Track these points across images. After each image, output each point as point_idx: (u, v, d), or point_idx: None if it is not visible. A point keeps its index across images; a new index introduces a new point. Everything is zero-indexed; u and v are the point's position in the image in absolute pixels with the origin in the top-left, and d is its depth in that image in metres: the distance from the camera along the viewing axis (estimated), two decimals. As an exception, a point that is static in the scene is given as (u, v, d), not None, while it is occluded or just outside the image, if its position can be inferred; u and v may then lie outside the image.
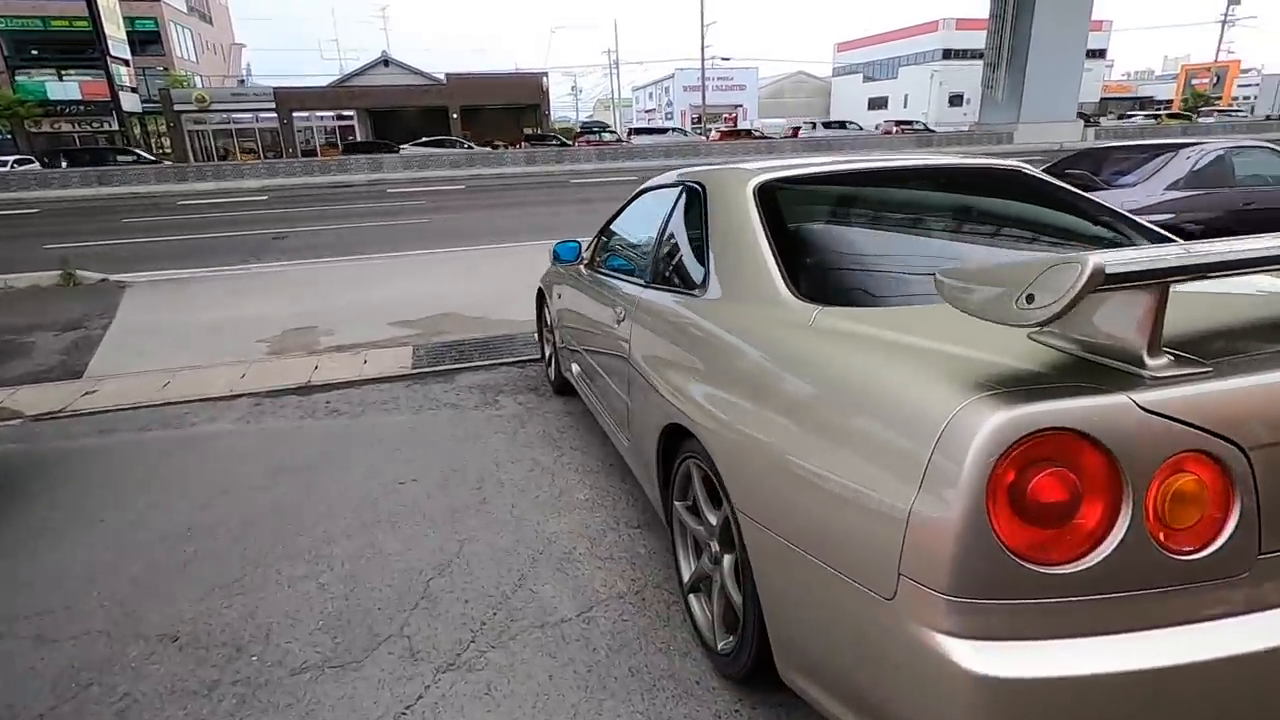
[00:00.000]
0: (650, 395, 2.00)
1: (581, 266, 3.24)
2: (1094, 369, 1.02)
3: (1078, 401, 0.94)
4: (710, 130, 39.96)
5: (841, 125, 35.34)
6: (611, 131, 35.73)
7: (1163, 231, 1.95)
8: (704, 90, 42.56)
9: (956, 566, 0.95)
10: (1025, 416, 0.93)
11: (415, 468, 3.12)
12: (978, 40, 55.34)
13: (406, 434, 3.53)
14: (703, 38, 41.56)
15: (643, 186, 2.89)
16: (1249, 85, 62.51)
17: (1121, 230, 1.92)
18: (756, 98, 58.06)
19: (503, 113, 42.43)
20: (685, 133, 34.82)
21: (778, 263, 1.65)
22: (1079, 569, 0.95)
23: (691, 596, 1.90)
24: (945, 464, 0.96)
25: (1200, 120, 36.49)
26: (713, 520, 1.72)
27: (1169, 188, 5.88)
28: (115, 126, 35.84)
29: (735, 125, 49.25)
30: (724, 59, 53.04)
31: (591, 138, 32.20)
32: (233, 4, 59.89)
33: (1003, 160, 2.26)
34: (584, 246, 3.24)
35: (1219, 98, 57.08)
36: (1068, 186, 2.18)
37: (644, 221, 2.67)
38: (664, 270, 2.24)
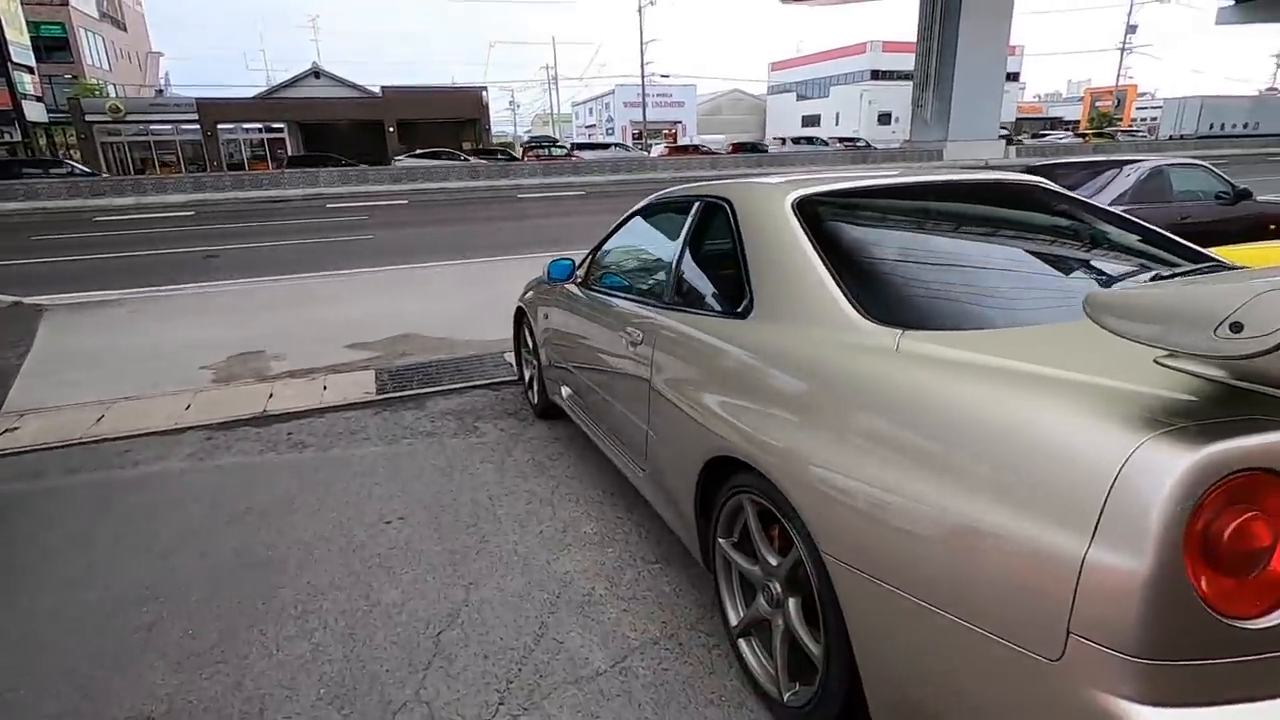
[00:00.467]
0: (685, 425, 1.86)
1: (572, 286, 3.07)
2: (1248, 398, 0.95)
3: (1270, 437, 0.86)
4: (652, 146, 40.28)
5: (809, 141, 36.12)
6: (560, 146, 35.61)
7: (1193, 246, 1.95)
8: (644, 106, 42.97)
9: (1146, 623, 0.85)
10: (1222, 456, 0.84)
11: (400, 504, 2.88)
12: (903, 62, 57.98)
13: (383, 467, 3.27)
14: (642, 55, 42.05)
15: (645, 203, 2.76)
16: (1144, 108, 67.43)
17: (1160, 243, 1.91)
18: (695, 114, 59.00)
19: (441, 127, 41.66)
20: (627, 148, 34.98)
21: (837, 283, 1.55)
22: (1275, 622, 0.87)
23: (742, 642, 1.76)
24: (1127, 509, 0.86)
25: (1119, 139, 39.06)
26: (773, 561, 1.59)
27: (1114, 201, 6.14)
28: (18, 137, 33.40)
29: (675, 140, 49.87)
30: (664, 76, 53.78)
31: (541, 152, 31.99)
32: (149, 10, 57.07)
33: (1020, 175, 2.24)
34: (576, 264, 3.08)
35: (1120, 119, 61.27)
36: (1087, 200, 2.17)
37: (652, 239, 2.54)
38: (688, 291, 2.12)
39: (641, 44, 42.13)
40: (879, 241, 1.80)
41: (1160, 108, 61.47)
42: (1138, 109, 67.18)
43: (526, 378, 4.02)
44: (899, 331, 1.36)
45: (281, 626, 2.09)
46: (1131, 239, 1.91)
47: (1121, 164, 6.43)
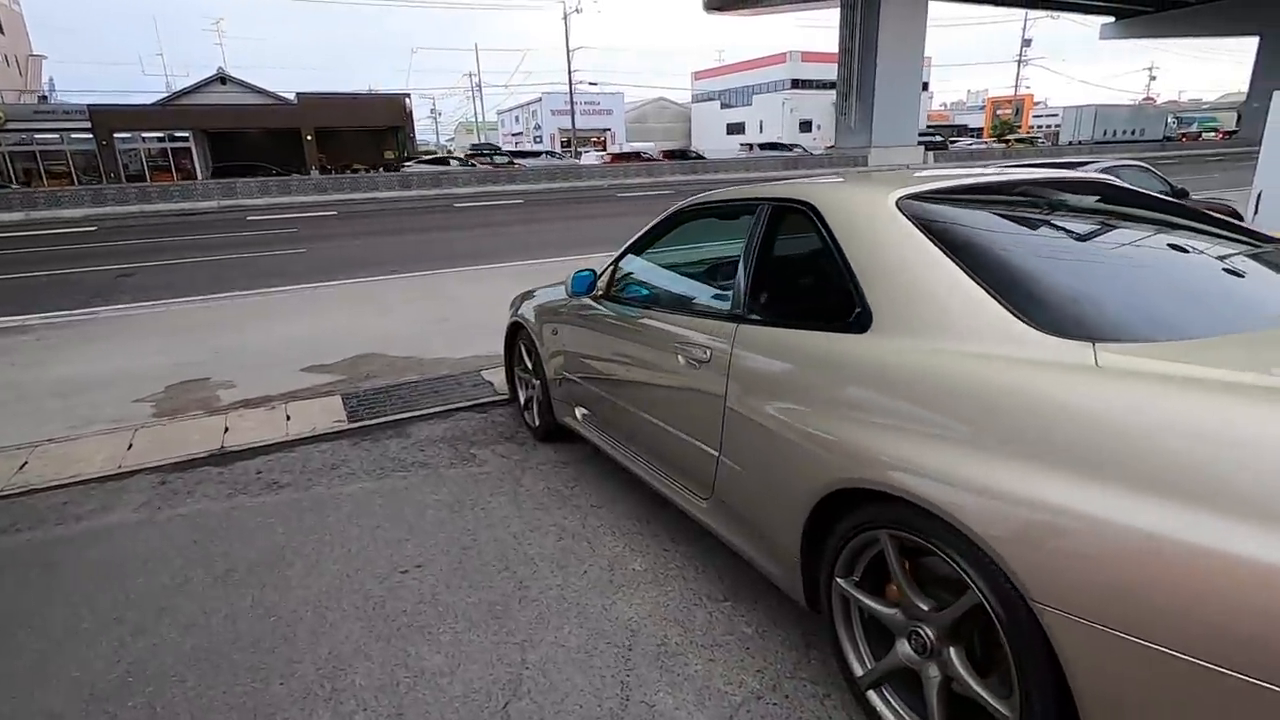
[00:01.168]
0: (787, 452, 1.66)
1: (591, 299, 2.82)
2: None
3: None
4: (581, 153, 40.02)
5: (774, 146, 36.35)
6: (503, 154, 35.05)
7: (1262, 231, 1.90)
8: (573, 114, 42.69)
9: None
10: None
11: (412, 549, 2.55)
12: (822, 71, 60.01)
13: (380, 506, 2.93)
14: (569, 62, 41.78)
15: (677, 209, 2.53)
16: (1040, 115, 72.24)
17: (1245, 233, 1.86)
18: (624, 122, 59.15)
19: (361, 135, 40.12)
20: (555, 154, 34.59)
21: (987, 290, 1.38)
22: None
23: (874, 694, 1.57)
24: None
25: (1035, 145, 41.47)
26: (924, 605, 1.41)
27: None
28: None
29: (605, 148, 49.82)
30: (591, 84, 53.61)
31: (483, 160, 31.37)
32: (29, 11, 52.65)
33: (1092, 173, 2.17)
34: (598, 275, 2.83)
35: (1019, 126, 65.34)
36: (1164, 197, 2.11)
37: (701, 249, 2.33)
38: (769, 304, 1.92)
39: (568, 51, 41.89)
40: (1017, 243, 1.65)
41: (1054, 116, 66.12)
42: (1034, 116, 71.89)
43: (523, 399, 3.73)
44: (1089, 344, 1.21)
45: (313, 711, 1.76)
46: (1227, 230, 1.85)
47: (1073, 165, 6.68)
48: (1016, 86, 65.52)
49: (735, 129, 65.97)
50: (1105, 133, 44.89)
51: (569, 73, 41.86)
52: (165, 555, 2.60)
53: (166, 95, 38.94)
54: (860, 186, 1.80)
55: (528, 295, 3.70)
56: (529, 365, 3.55)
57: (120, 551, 2.64)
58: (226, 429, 3.95)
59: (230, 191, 20.08)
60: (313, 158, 34.73)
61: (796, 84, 61.11)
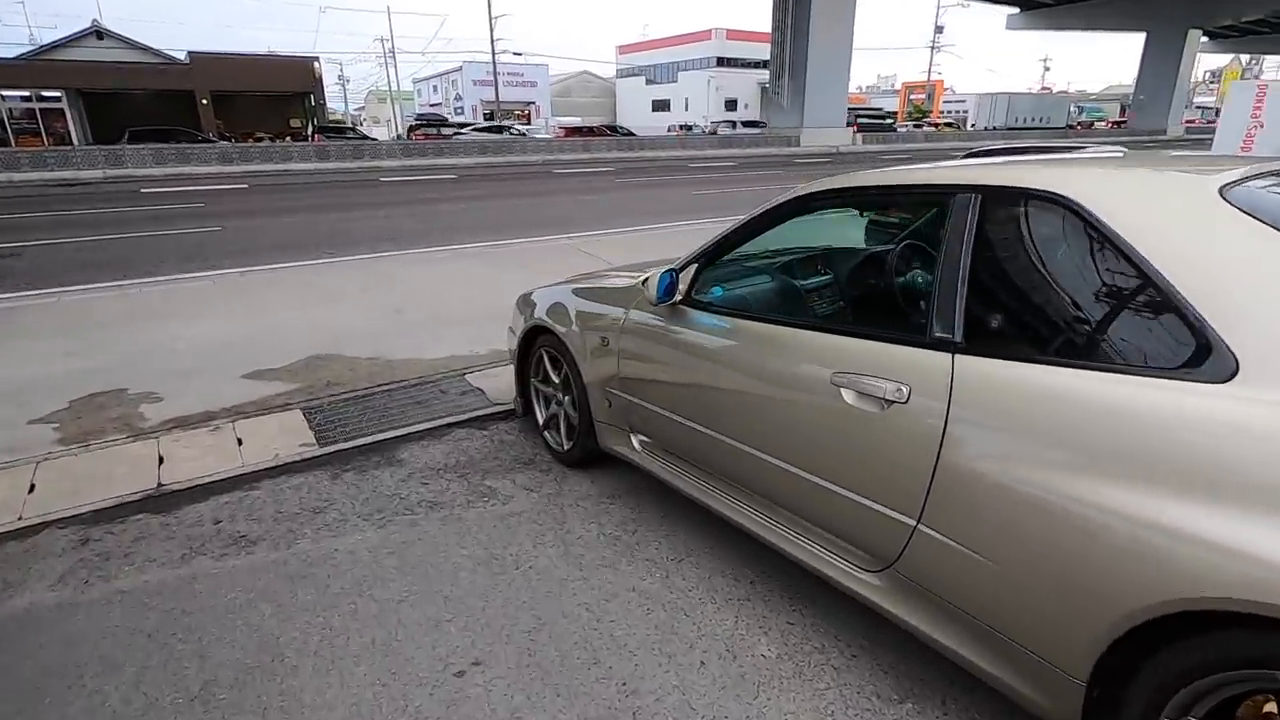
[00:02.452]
0: (1087, 547, 1.19)
1: (675, 307, 2.22)
2: None
3: None
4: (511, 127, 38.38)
5: (754, 124, 34.58)
6: (449, 125, 33.01)
7: None
8: (496, 85, 40.87)
9: None
10: None
11: (459, 636, 1.96)
12: (747, 50, 60.16)
13: (393, 569, 2.30)
14: (492, 31, 39.89)
15: (808, 193, 1.95)
16: (949, 101, 75.28)
17: None
18: (549, 95, 57.32)
19: (265, 101, 37.01)
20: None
21: None
22: None
23: None
24: None
25: (961, 129, 42.79)
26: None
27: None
28: None
29: (529, 121, 48.09)
30: (516, 54, 51.48)
31: (430, 131, 29.28)
32: None
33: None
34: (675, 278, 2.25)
35: (930, 111, 67.85)
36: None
37: (850, 250, 1.83)
38: (1015, 330, 1.43)
39: (490, 18, 39.88)
40: None
41: (962, 102, 69.08)
42: (945, 101, 74.82)
43: (543, 417, 3.13)
44: None
45: None
46: None
47: (1050, 149, 6.57)
48: (930, 72, 67.71)
49: (661, 106, 65.29)
50: (1016, 119, 47.13)
51: (491, 41, 39.98)
52: (107, 661, 1.89)
53: (31, 50, 34.54)
54: (1144, 173, 1.35)
55: (547, 294, 3.09)
56: (555, 379, 2.96)
57: (34, 660, 1.91)
58: (161, 459, 3.16)
59: (117, 159, 17.84)
60: (210, 124, 31.72)
61: (722, 62, 60.94)
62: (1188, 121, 50.28)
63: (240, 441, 3.34)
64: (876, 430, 1.56)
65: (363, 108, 73.95)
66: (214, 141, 23.80)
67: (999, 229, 1.49)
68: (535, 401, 3.19)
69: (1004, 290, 1.49)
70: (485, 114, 48.04)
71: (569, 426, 2.93)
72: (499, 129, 30.66)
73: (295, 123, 38.04)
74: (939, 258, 1.54)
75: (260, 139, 28.29)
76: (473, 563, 2.32)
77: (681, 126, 37.92)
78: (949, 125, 45.69)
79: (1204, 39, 49.57)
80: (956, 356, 1.44)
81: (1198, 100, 68.16)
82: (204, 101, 33.11)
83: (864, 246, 1.97)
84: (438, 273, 6.90)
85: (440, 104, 59.35)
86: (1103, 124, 58.59)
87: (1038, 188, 1.43)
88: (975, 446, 1.39)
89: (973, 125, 50.52)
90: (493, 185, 16.13)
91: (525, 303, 3.22)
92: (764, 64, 33.04)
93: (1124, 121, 53.18)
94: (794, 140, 29.27)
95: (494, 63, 40.59)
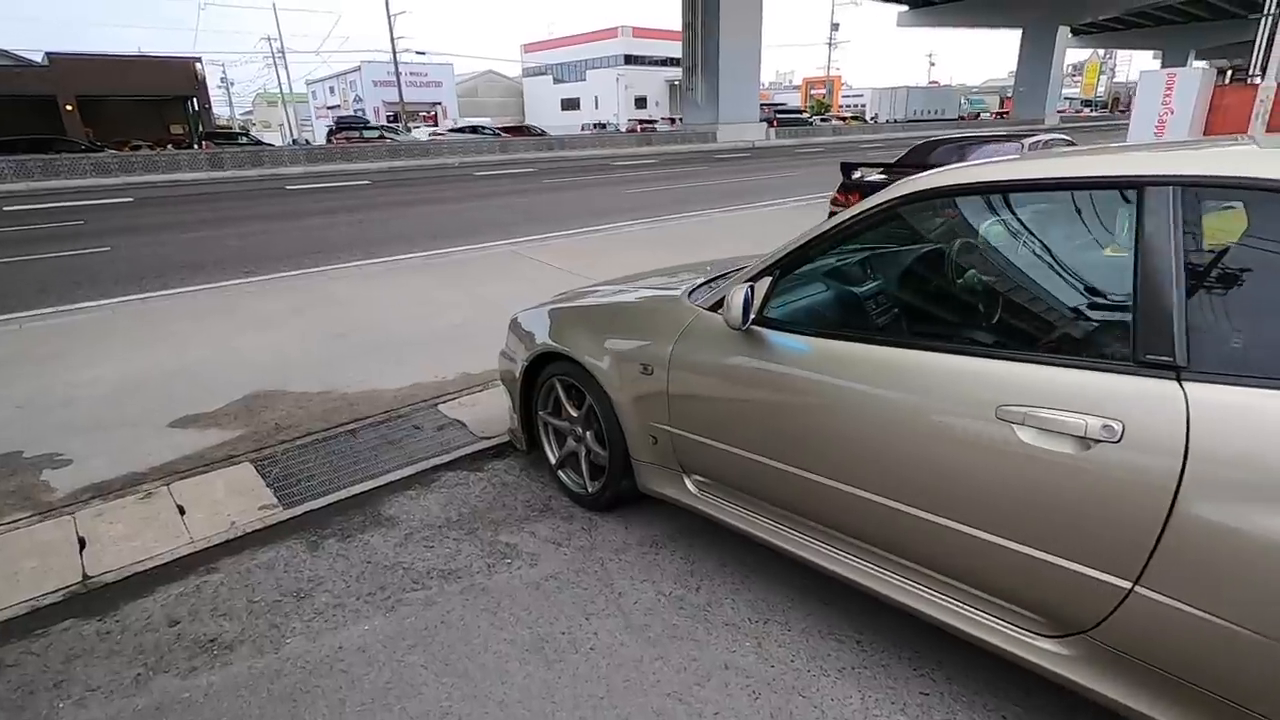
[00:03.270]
0: None
1: (752, 331, 1.88)
2: None
3: None
4: (412, 129, 36.81)
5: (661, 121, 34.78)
6: (373, 128, 31.38)
7: None
8: (400, 86, 39.10)
9: None
10: None
11: (533, 758, 1.57)
12: (654, 48, 60.39)
13: (422, 668, 1.87)
14: (391, 29, 38.11)
15: (920, 189, 1.64)
16: (847, 95, 78.35)
17: None
18: (455, 95, 55.53)
19: (140, 106, 33.96)
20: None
21: None
22: None
23: None
24: None
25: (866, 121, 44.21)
26: None
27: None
28: None
29: (436, 122, 46.43)
30: (419, 53, 49.47)
31: (352, 135, 27.73)
32: None
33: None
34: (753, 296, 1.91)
35: (830, 105, 70.33)
36: None
37: (998, 258, 1.56)
38: (1260, 348, 1.19)
39: (389, 15, 38.06)
40: None
41: (859, 96, 72.05)
42: (843, 96, 77.78)
43: (555, 456, 2.73)
44: None
45: None
46: None
47: (1003, 139, 6.69)
48: (829, 68, 70.08)
49: (570, 104, 64.65)
50: (914, 111, 49.43)
51: (391, 39, 38.17)
52: None
53: None
54: None
55: (555, 313, 2.69)
56: (573, 413, 2.57)
57: None
58: (82, 542, 2.56)
59: (-32, 174, 15.71)
60: (77, 132, 28.72)
61: (630, 59, 60.90)
62: (1060, 111, 54.30)
63: (182, 510, 2.77)
64: (1075, 476, 1.28)
65: (250, 112, 69.31)
66: (100, 149, 21.51)
67: (1203, 229, 1.25)
68: (544, 437, 2.78)
69: (1240, 300, 1.24)
70: (389, 116, 45.95)
71: (593, 466, 2.55)
72: (474, 129, 29.79)
73: (177, 129, 35.15)
74: (1136, 264, 1.28)
75: (138, 147, 25.89)
76: (520, 650, 1.91)
77: (595, 125, 37.59)
78: (855, 119, 47.39)
79: (1070, 35, 53.54)
80: (1183, 384, 1.19)
81: (1065, 92, 73.93)
82: (68, 108, 29.99)
83: (989, 245, 1.70)
84: (377, 289, 6.27)
85: (338, 106, 56.37)
86: (987, 115, 62.43)
87: (1267, 177, 1.19)
88: (1222, 493, 1.14)
89: (873, 118, 52.60)
90: (413, 190, 15.25)
91: (526, 323, 2.81)
92: (673, 61, 33.19)
93: (1006, 113, 56.83)
94: (711, 136, 29.47)
95: (395, 62, 38.80)
